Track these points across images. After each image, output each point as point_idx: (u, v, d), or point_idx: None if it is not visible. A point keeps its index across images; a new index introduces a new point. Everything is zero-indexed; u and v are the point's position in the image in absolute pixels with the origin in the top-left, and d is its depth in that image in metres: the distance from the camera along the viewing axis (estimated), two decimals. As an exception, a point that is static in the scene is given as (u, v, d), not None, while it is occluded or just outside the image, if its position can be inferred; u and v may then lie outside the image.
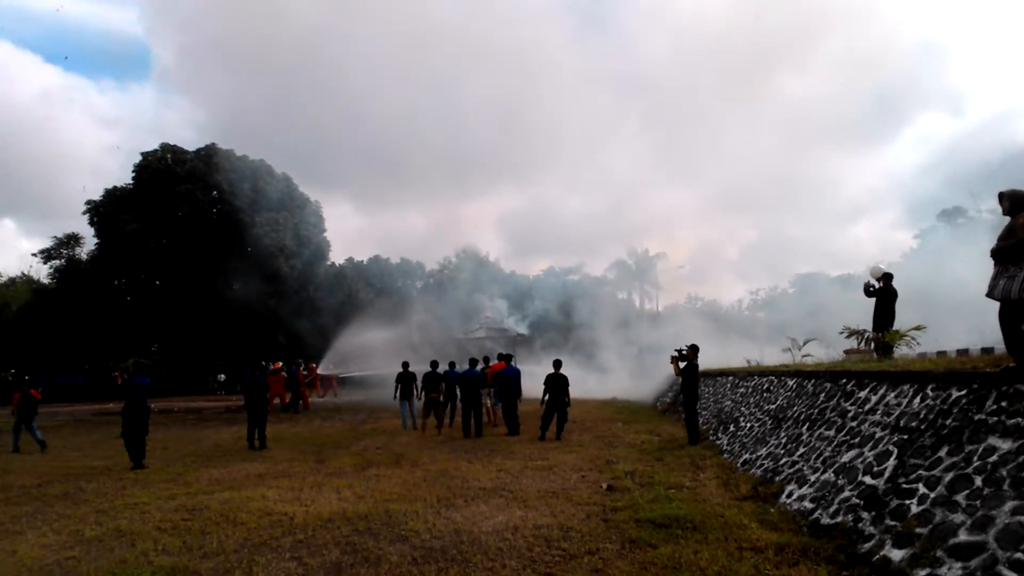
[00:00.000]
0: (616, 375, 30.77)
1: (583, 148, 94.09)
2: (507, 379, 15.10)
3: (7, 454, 13.63)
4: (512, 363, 15.87)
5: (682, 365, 12.61)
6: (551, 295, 48.46)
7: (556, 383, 13.94)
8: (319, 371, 29.27)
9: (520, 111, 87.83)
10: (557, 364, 14.47)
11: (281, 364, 26.30)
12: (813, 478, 6.86)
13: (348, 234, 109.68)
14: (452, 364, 16.86)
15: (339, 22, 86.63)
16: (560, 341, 35.32)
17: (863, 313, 12.06)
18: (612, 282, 66.06)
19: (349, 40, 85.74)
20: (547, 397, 13.97)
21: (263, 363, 19.19)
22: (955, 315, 18.09)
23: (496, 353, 18.63)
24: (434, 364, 15.96)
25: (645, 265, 63.71)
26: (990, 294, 5.41)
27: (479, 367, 15.93)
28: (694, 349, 12.59)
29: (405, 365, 17.26)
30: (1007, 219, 5.56)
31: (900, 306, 11.49)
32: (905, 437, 5.74)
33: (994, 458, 4.51)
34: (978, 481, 4.50)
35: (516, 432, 14.54)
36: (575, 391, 15.20)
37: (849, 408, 7.39)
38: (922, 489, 4.99)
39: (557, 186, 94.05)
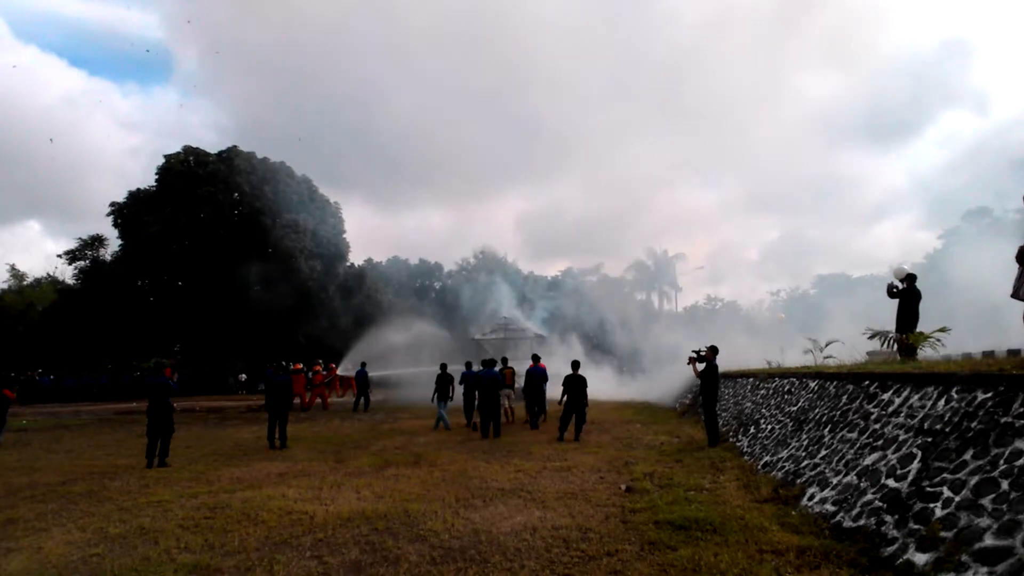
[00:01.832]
0: (635, 376, 30.66)
1: (601, 148, 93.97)
2: (532, 377, 16.07)
3: (32, 452, 13.85)
4: (538, 364, 16.72)
5: (701, 366, 12.52)
6: (569, 296, 48.38)
7: (574, 384, 13.92)
8: (339, 371, 29.42)
9: (539, 111, 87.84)
10: (575, 365, 14.46)
11: (301, 365, 26.58)
12: (835, 481, 6.79)
13: (367, 235, 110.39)
14: (468, 364, 16.98)
15: (357, 25, 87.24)
16: (578, 342, 35.21)
17: (886, 314, 11.92)
18: (631, 283, 65.96)
19: (367, 43, 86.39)
20: (565, 398, 13.96)
21: (284, 363, 19.37)
22: (981, 317, 17.82)
23: (531, 354, 19.25)
24: (482, 363, 16.19)
25: (664, 266, 63.46)
26: (1015, 295, 5.34)
27: (496, 367, 15.93)
28: (713, 350, 12.49)
29: (443, 366, 17.49)
30: None
31: (924, 307, 11.34)
32: (929, 440, 5.66)
33: (1021, 461, 4.43)
34: (1005, 485, 4.42)
35: (536, 426, 15.40)
36: (593, 392, 15.17)
37: (872, 410, 7.30)
38: (947, 492, 4.92)
39: (575, 187, 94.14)
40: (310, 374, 27.12)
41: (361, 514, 7.25)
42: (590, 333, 37.51)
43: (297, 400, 24.99)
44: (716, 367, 12.46)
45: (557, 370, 17.82)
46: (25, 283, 54.20)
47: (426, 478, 9.49)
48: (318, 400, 26.32)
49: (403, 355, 32.63)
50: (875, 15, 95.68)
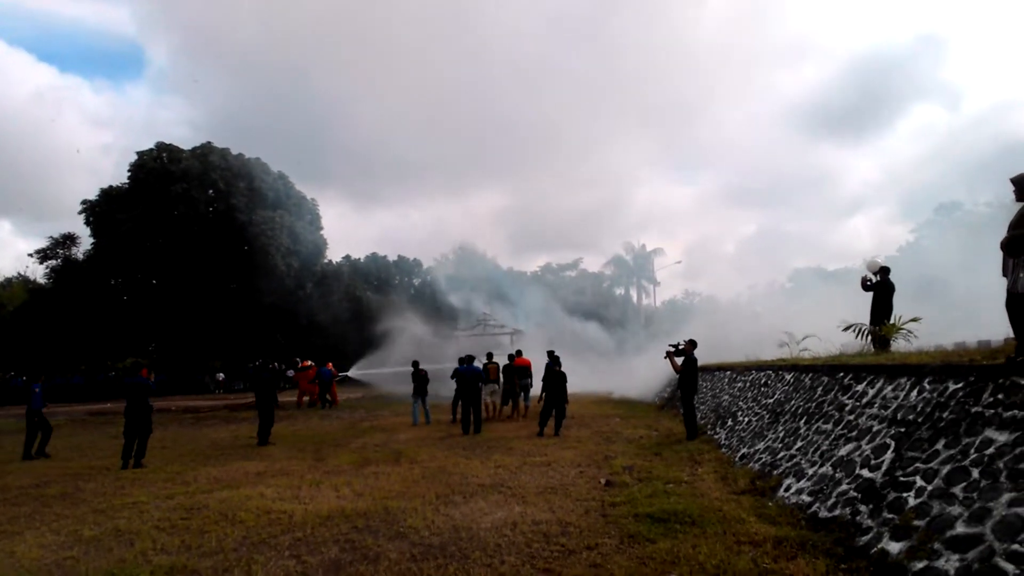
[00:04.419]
0: (614, 370, 30.75)
1: (579, 144, 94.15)
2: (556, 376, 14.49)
3: (3, 454, 13.59)
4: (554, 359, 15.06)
5: (679, 360, 12.59)
6: (549, 291, 48.48)
7: (554, 379, 13.93)
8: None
9: (516, 106, 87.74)
10: (556, 361, 14.47)
11: (310, 362, 26.52)
12: (811, 472, 6.88)
13: (345, 232, 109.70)
14: (460, 360, 16.69)
15: (333, 20, 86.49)
16: (557, 337, 35.34)
17: (861, 307, 12.06)
18: (610, 278, 66.27)
19: (344, 38, 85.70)
20: (545, 393, 13.97)
21: (270, 363, 19.25)
22: (953, 308, 18.11)
23: (515, 350, 19.31)
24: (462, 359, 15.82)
25: (642, 261, 63.77)
26: (1012, 288, 5.26)
27: (476, 363, 15.85)
28: (692, 344, 12.57)
29: (415, 364, 17.67)
30: (1017, 208, 5.46)
31: (897, 300, 11.50)
32: (902, 430, 5.75)
33: (991, 450, 4.52)
34: (975, 473, 4.51)
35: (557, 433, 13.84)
36: (572, 387, 15.19)
37: (846, 402, 7.40)
38: (919, 482, 5.00)
39: (554, 183, 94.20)
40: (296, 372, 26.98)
41: (340, 512, 7.21)
42: (569, 327, 37.54)
43: (307, 397, 25.05)
44: (695, 360, 12.54)
45: (538, 365, 17.72)
46: (-5, 283, 53.20)
47: (406, 475, 9.47)
48: (328, 397, 26.25)
49: (385, 353, 32.56)
50: (849, 9, 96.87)
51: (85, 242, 44.31)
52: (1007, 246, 5.31)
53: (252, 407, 14.29)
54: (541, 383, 14.46)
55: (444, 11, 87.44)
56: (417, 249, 79.63)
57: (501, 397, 17.80)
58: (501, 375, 17.72)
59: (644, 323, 51.36)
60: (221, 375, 45.18)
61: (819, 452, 7.10)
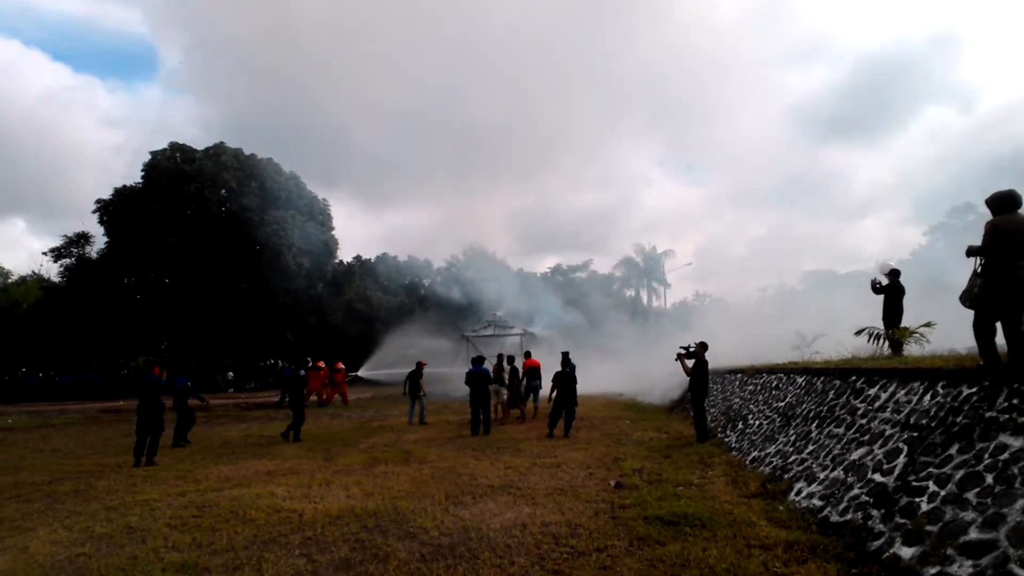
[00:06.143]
0: (624, 372, 30.70)
1: (589, 145, 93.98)
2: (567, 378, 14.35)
3: (17, 451, 13.73)
4: (568, 362, 14.91)
5: (690, 363, 12.53)
6: (559, 292, 48.45)
7: (564, 381, 13.92)
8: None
9: (528, 108, 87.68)
10: (565, 363, 14.45)
11: (323, 362, 26.72)
12: (822, 476, 6.83)
13: (356, 232, 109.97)
14: (472, 360, 16.65)
15: (345, 20, 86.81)
16: (567, 339, 35.34)
17: (872, 310, 11.98)
18: (620, 279, 66.18)
19: (355, 38, 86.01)
20: (555, 395, 13.95)
21: (302, 363, 19.38)
22: (966, 312, 17.93)
23: (525, 351, 19.26)
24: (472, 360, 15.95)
25: (652, 262, 63.64)
26: (963, 301, 5.55)
27: (485, 364, 15.87)
28: (703, 346, 12.52)
29: (418, 364, 17.89)
30: None
31: (912, 303, 11.41)
32: (915, 434, 5.71)
33: (1005, 455, 4.48)
34: (989, 479, 4.47)
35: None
36: (582, 389, 15.15)
37: (859, 405, 7.36)
38: (932, 487, 4.96)
39: (563, 184, 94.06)
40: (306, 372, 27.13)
41: (350, 512, 7.23)
42: (579, 329, 37.50)
43: (314, 397, 25.25)
44: (706, 363, 12.48)
45: (552, 367, 17.70)
46: (9, 281, 53.73)
47: (416, 475, 9.48)
48: (337, 396, 26.47)
49: (395, 354, 32.68)
50: (861, 10, 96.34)
51: (99, 241, 44.75)
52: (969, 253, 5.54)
53: (263, 406, 14.34)
54: (551, 384, 14.45)
55: (453, 14, 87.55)
56: (427, 249, 79.76)
57: (508, 399, 17.65)
58: (506, 376, 17.65)
59: (654, 324, 51.23)
60: (231, 374, 45.38)
61: (831, 456, 7.06)
